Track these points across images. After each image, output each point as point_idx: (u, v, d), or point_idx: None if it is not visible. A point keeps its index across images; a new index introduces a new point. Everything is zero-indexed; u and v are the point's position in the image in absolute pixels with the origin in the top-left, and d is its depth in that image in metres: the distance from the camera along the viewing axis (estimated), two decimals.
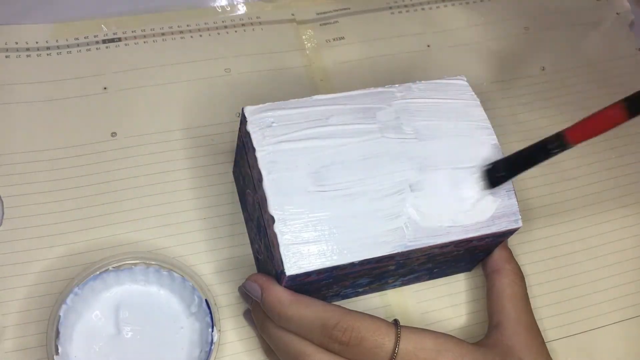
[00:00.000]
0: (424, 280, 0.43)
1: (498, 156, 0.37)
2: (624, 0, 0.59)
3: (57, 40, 0.48)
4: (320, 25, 0.53)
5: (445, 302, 0.44)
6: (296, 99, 0.37)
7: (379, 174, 0.36)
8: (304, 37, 0.52)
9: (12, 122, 0.45)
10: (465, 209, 0.36)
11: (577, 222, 0.48)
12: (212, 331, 0.38)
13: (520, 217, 0.37)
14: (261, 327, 0.37)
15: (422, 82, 0.40)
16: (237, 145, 0.41)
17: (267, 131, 0.36)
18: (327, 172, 0.35)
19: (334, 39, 0.53)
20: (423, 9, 0.56)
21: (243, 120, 0.37)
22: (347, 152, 0.36)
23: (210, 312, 0.39)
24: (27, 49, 0.48)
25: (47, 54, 0.48)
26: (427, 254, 0.37)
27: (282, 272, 0.33)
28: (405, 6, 0.55)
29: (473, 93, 0.40)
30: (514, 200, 0.37)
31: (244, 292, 0.39)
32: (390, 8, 0.55)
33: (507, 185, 0.37)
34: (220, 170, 0.45)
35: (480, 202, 0.36)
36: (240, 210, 0.44)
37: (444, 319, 0.43)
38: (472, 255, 0.40)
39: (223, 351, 0.40)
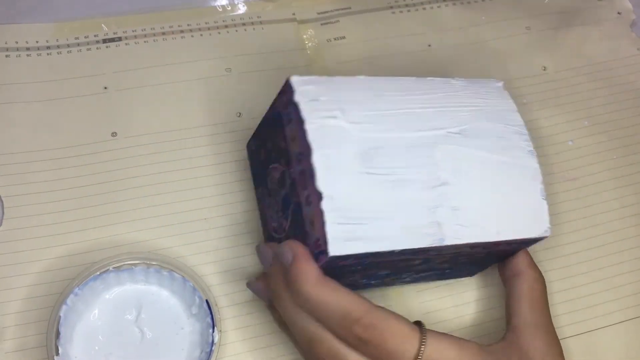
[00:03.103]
0: (431, 280, 0.43)
1: (533, 165, 0.38)
2: (625, 0, 0.59)
3: (57, 40, 0.48)
4: (321, 24, 0.53)
5: (447, 303, 0.44)
6: (341, 76, 0.36)
7: (423, 164, 0.35)
8: (304, 36, 0.52)
9: (12, 122, 0.45)
10: (504, 211, 0.36)
11: (579, 223, 0.48)
12: (213, 332, 0.38)
13: (549, 226, 0.37)
14: (277, 296, 0.35)
15: (461, 79, 0.39)
16: (266, 117, 0.39)
17: (315, 104, 0.34)
18: (375, 155, 0.34)
19: (334, 39, 0.53)
20: (424, 8, 0.56)
21: (287, 90, 0.35)
22: (394, 137, 0.35)
23: (211, 313, 0.39)
24: (27, 49, 0.47)
25: (47, 54, 0.48)
26: (456, 252, 0.36)
27: (324, 252, 0.32)
28: (407, 6, 0.55)
29: (510, 98, 0.39)
30: (545, 209, 0.37)
31: (264, 252, 0.37)
32: (391, 7, 0.55)
33: (541, 192, 0.37)
34: (220, 170, 0.45)
35: (519, 205, 0.36)
36: (241, 210, 0.44)
37: (446, 319, 0.43)
38: (489, 259, 0.40)
39: (224, 352, 0.40)
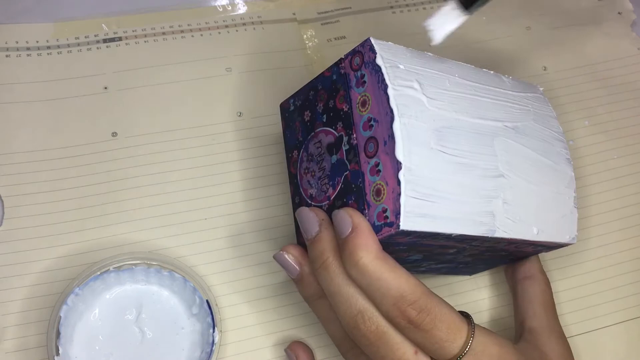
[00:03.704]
0: (440, 274, 0.43)
1: (570, 172, 0.38)
2: (625, 0, 0.59)
3: (57, 40, 0.48)
4: (322, 24, 0.53)
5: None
6: (412, 49, 0.35)
7: (485, 152, 0.34)
8: (305, 36, 0.52)
9: (12, 122, 0.45)
10: (542, 213, 0.36)
11: (579, 223, 0.47)
12: (213, 332, 0.38)
13: (577, 234, 0.37)
14: (322, 266, 0.33)
15: (509, 77, 0.39)
16: (322, 78, 0.37)
17: (396, 71, 0.33)
18: (448, 134, 0.33)
19: (335, 38, 0.53)
20: (424, 8, 0.55)
21: (364, 52, 0.34)
22: (462, 120, 0.34)
23: (212, 313, 0.39)
24: (28, 49, 0.47)
25: (48, 54, 0.48)
26: (493, 245, 0.36)
27: (392, 224, 0.31)
28: (407, 5, 0.55)
29: (549, 104, 0.40)
30: (575, 217, 0.37)
31: (308, 217, 0.34)
32: (392, 7, 0.55)
33: (574, 201, 0.38)
34: (221, 170, 0.45)
35: (554, 210, 0.37)
36: (242, 210, 0.44)
37: None
38: (505, 259, 0.40)
39: (224, 352, 0.40)
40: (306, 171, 0.38)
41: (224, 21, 0.52)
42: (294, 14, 0.53)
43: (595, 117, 0.52)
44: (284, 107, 0.41)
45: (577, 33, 0.57)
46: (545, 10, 0.58)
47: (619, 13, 0.58)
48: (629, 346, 0.44)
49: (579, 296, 0.45)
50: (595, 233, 0.47)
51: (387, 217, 0.31)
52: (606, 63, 0.55)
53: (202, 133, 0.46)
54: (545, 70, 0.54)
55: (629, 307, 0.45)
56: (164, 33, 0.50)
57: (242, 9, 0.53)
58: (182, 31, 0.51)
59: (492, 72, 0.39)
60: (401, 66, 0.34)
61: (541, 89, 0.41)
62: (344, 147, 0.34)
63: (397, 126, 0.31)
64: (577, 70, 0.55)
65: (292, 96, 0.40)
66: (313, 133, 0.37)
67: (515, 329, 0.41)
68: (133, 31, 0.50)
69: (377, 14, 0.55)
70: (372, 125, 0.33)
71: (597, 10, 0.58)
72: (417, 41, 0.54)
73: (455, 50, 0.54)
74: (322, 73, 0.37)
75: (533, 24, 0.56)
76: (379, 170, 0.32)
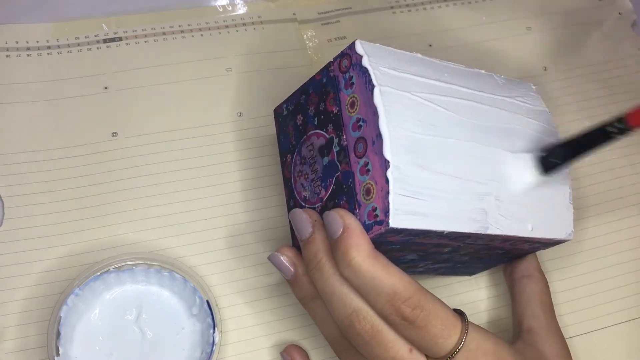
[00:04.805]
0: (439, 275, 0.43)
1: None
2: (626, 0, 0.59)
3: (57, 40, 0.48)
4: (322, 24, 0.53)
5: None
6: (401, 50, 0.36)
7: (477, 148, 0.35)
8: (305, 36, 0.52)
9: (12, 122, 0.45)
10: (536, 210, 0.36)
11: (579, 223, 0.48)
12: (214, 332, 0.38)
13: (572, 230, 0.37)
14: (316, 267, 0.33)
15: (501, 76, 0.40)
16: (312, 81, 0.38)
17: (383, 72, 0.34)
18: (437, 133, 0.34)
19: (335, 39, 0.53)
20: (425, 8, 0.56)
21: (351, 54, 0.34)
22: (455, 119, 0.35)
23: (212, 313, 0.39)
24: (28, 49, 0.47)
25: (48, 54, 0.47)
26: (487, 243, 0.36)
27: (382, 222, 0.31)
28: (407, 6, 0.55)
29: (542, 101, 0.40)
30: (571, 214, 0.37)
31: (301, 218, 0.35)
32: (392, 8, 0.55)
33: (569, 197, 0.38)
34: (221, 171, 0.45)
35: (548, 206, 0.37)
36: (242, 210, 0.44)
37: None
38: (502, 258, 0.40)
39: (224, 352, 0.40)
40: (299, 174, 0.38)
41: (224, 21, 0.52)
42: (294, 14, 0.53)
43: (595, 117, 0.52)
44: (277, 112, 0.42)
45: (577, 33, 0.57)
46: (545, 10, 0.58)
47: (619, 13, 0.58)
48: (628, 347, 0.44)
49: (577, 297, 0.45)
50: (594, 234, 0.48)
51: (377, 216, 0.31)
52: (606, 63, 0.55)
53: (202, 133, 0.46)
54: (545, 70, 0.54)
55: (627, 308, 0.45)
56: (164, 33, 0.50)
57: (242, 9, 0.53)
58: (182, 31, 0.51)
59: (483, 71, 0.39)
60: (387, 67, 0.34)
61: (534, 86, 0.41)
62: (335, 149, 0.35)
63: (383, 126, 0.32)
64: (577, 70, 0.55)
65: (285, 101, 0.41)
66: (305, 136, 0.38)
67: (513, 328, 0.41)
68: (133, 31, 0.50)
69: (378, 14, 0.55)
70: (360, 126, 0.33)
71: (597, 10, 0.58)
72: (417, 41, 0.54)
73: (455, 50, 0.54)
74: (313, 77, 0.38)
75: (533, 24, 0.56)
76: (369, 170, 0.32)
